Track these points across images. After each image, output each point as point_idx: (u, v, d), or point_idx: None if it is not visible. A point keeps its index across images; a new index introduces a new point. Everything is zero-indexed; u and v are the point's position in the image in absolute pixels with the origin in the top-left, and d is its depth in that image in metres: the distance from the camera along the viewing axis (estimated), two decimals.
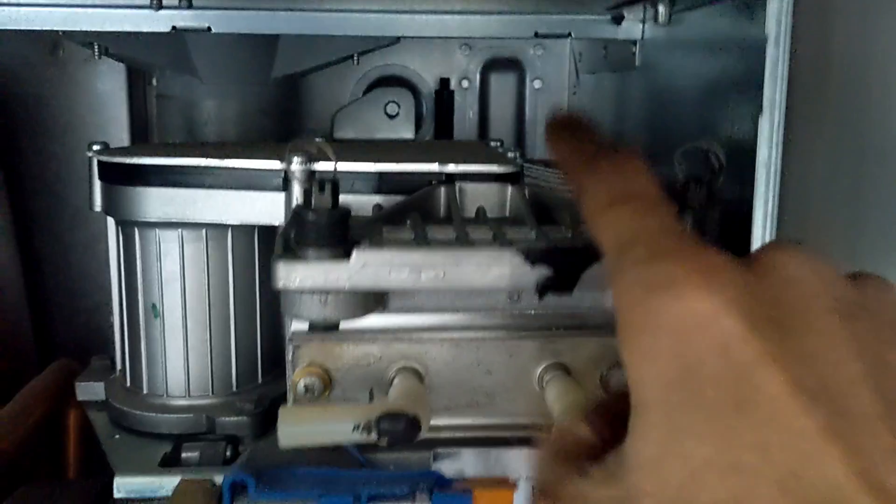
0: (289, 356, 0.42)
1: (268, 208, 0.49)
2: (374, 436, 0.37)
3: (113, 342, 0.58)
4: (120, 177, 0.51)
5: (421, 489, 0.38)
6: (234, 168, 0.49)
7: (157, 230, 0.51)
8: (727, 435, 0.21)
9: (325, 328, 0.38)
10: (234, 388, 0.53)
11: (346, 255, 0.37)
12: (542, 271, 0.37)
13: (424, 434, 0.40)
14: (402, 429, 0.37)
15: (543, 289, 0.37)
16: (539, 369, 0.43)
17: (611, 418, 0.27)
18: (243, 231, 0.52)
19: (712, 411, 0.22)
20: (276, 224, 0.49)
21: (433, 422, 0.42)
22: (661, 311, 0.23)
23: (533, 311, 0.42)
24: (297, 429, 0.37)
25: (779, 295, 0.23)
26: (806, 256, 0.24)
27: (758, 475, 0.21)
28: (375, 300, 0.39)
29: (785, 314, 0.23)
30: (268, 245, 0.54)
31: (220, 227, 0.51)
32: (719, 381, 0.22)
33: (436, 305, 0.41)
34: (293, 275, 0.37)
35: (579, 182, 0.28)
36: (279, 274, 0.37)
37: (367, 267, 0.37)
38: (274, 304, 0.55)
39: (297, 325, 0.42)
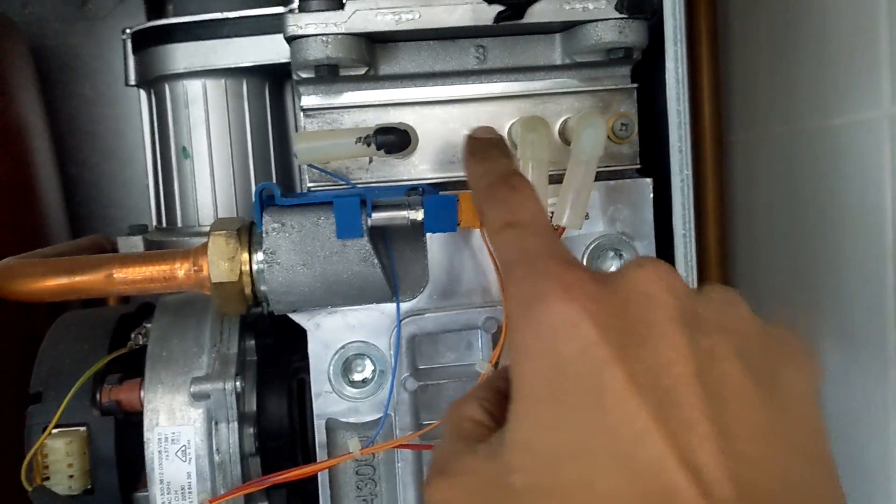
0: (301, 124, 0.51)
1: (276, 48, 0.58)
2: (373, 147, 0.46)
3: None
4: (151, 39, 0.61)
5: (415, 194, 0.46)
6: (245, 17, 0.59)
7: (183, 81, 0.60)
8: (580, 425, 0.26)
9: (328, 71, 0.46)
10: None
11: (341, 5, 0.46)
12: (497, 7, 0.46)
13: (415, 147, 0.48)
14: (395, 139, 0.46)
15: (499, 19, 0.46)
16: (509, 125, 0.51)
17: (500, 399, 0.32)
18: (256, 80, 0.61)
19: (571, 405, 0.26)
20: (282, 62, 0.58)
21: (422, 177, 0.51)
22: (535, 320, 0.27)
23: (498, 69, 0.51)
24: (311, 145, 0.46)
25: (630, 307, 0.27)
26: (659, 273, 0.28)
27: (601, 456, 0.25)
28: (367, 52, 0.48)
29: (633, 323, 0.27)
30: (278, 94, 0.64)
31: (237, 76, 0.60)
32: (576, 380, 0.26)
33: (417, 70, 0.50)
34: (301, 22, 0.46)
35: (480, 207, 0.35)
36: (289, 22, 0.46)
37: (357, 13, 0.46)
38: (284, 144, 0.64)
39: (307, 101, 0.51)
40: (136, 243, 0.65)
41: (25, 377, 0.54)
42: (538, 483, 0.26)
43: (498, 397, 0.32)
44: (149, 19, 0.85)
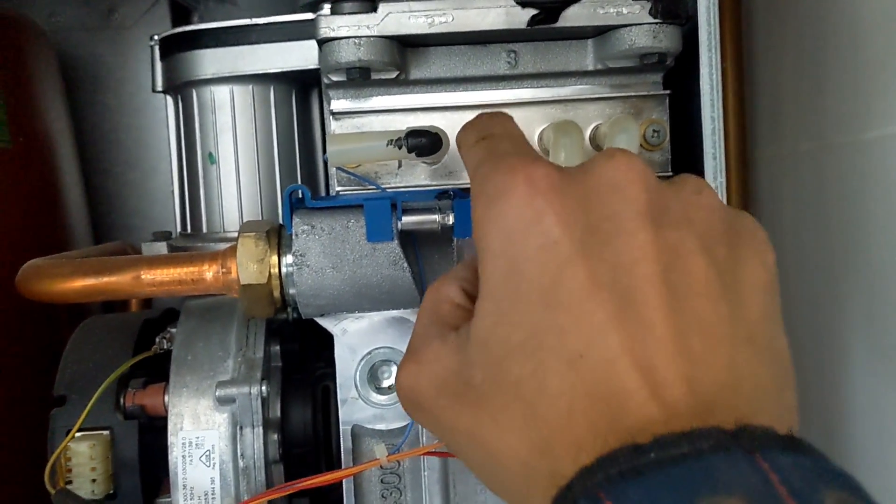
0: (331, 128, 0.50)
1: (303, 54, 0.58)
2: (404, 150, 0.46)
3: None
4: (179, 45, 0.61)
5: (445, 198, 0.46)
6: (273, 23, 0.59)
7: (210, 87, 0.60)
8: (535, 323, 0.26)
9: (359, 73, 0.46)
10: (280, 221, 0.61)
11: (374, 7, 0.46)
12: (530, 11, 0.46)
13: (446, 151, 0.48)
14: (426, 141, 0.45)
15: (533, 23, 0.46)
16: (539, 131, 0.51)
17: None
18: (283, 86, 0.61)
19: (527, 303, 0.26)
20: (310, 68, 0.58)
21: (452, 182, 0.51)
22: (498, 215, 0.27)
23: (530, 75, 0.50)
24: (342, 147, 0.46)
25: (597, 199, 0.26)
26: (630, 164, 0.27)
27: (553, 354, 0.25)
28: (399, 56, 0.48)
29: (599, 219, 0.26)
30: (304, 101, 0.63)
31: (265, 82, 0.60)
32: (536, 277, 0.26)
33: (448, 75, 0.50)
34: (334, 24, 0.46)
35: (458, 138, 0.35)
36: (321, 24, 0.46)
37: (390, 16, 0.46)
38: (310, 151, 0.64)
39: (336, 105, 0.51)
40: (160, 249, 0.64)
41: (49, 381, 0.53)
42: (493, 379, 0.26)
43: (478, 278, 0.31)
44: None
